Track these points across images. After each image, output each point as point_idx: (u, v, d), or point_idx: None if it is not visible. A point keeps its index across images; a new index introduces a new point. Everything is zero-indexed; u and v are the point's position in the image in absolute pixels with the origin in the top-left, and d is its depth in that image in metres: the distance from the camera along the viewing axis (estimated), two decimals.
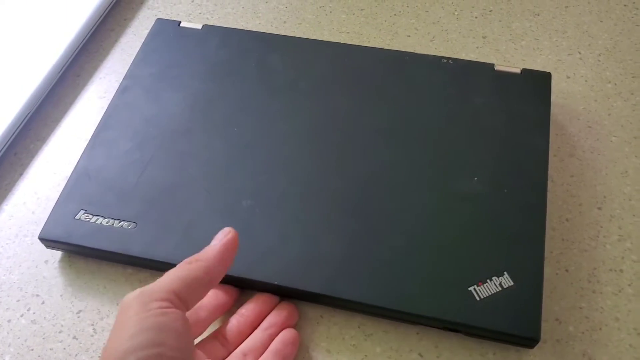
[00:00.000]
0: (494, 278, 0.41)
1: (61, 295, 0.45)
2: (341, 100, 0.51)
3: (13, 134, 0.52)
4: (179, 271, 0.35)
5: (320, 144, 0.48)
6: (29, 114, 0.54)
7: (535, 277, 0.41)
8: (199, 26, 0.57)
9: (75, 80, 0.59)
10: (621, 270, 0.45)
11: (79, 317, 0.44)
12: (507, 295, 0.40)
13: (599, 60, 0.58)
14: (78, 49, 0.60)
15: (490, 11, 0.64)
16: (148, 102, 0.51)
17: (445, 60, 0.53)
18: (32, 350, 0.42)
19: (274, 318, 0.41)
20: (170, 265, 0.36)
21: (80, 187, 0.47)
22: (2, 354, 0.42)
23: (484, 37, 0.61)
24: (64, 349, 0.42)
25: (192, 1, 0.65)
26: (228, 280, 0.41)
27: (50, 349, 0.42)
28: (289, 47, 0.55)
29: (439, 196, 0.45)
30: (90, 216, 0.45)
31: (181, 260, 0.37)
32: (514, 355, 0.41)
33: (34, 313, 0.44)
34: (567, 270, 0.45)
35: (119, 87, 0.53)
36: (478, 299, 0.40)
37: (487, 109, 0.49)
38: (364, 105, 0.50)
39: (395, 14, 0.64)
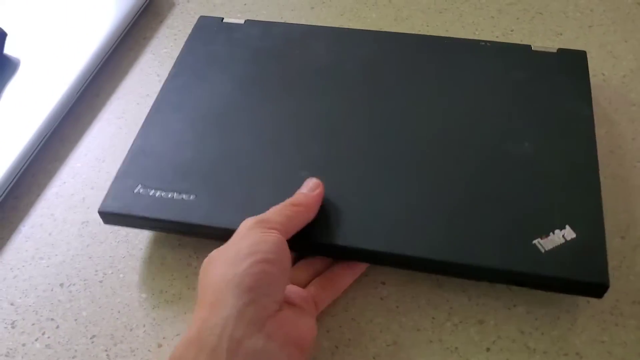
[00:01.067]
0: (556, 231, 0.41)
1: (75, 320, 0.45)
2: (389, 77, 0.53)
3: (31, 154, 0.53)
4: (286, 210, 0.41)
5: (373, 116, 0.50)
6: (47, 134, 0.54)
7: (596, 227, 0.42)
8: (242, 21, 0.59)
9: (94, 100, 0.59)
10: None
11: (92, 342, 0.44)
12: (571, 246, 0.41)
13: (623, 82, 0.57)
14: (97, 69, 0.60)
15: (512, 30, 0.63)
16: (198, 86, 0.53)
17: (484, 43, 0.55)
18: None
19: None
20: (232, 231, 0.40)
21: (136, 164, 0.48)
22: None
23: None
24: None
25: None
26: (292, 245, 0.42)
27: None
28: (332, 35, 0.57)
29: (493, 159, 0.46)
30: (149, 190, 0.46)
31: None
32: None
33: (48, 337, 0.44)
34: (588, 302, 0.44)
35: (168, 74, 0.55)
36: (543, 251, 0.41)
37: (529, 83, 0.51)
38: (409, 82, 0.52)
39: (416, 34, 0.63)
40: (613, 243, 0.46)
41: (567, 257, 0.40)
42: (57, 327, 0.45)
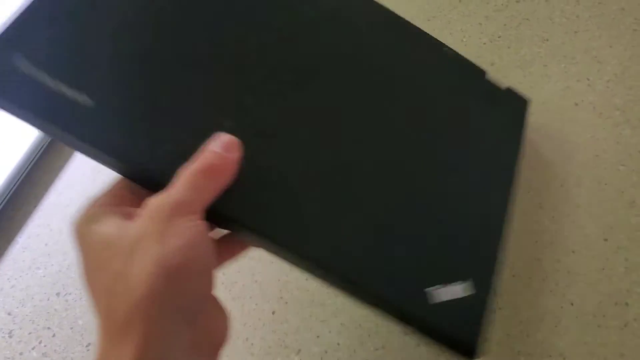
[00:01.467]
0: (453, 283, 0.38)
1: (71, 328, 0.46)
2: (334, 45, 0.45)
3: (28, 165, 0.54)
4: (198, 181, 0.33)
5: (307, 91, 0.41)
6: (44, 145, 0.56)
7: (484, 289, 0.39)
8: None
9: None
10: (627, 304, 0.44)
11: (88, 350, 0.45)
12: (459, 302, 0.38)
13: (607, 87, 0.58)
14: None
15: (499, 37, 0.64)
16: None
17: (446, 49, 0.51)
18: None
19: None
20: (137, 167, 0.33)
21: (28, 30, 0.34)
22: None
23: (492, 64, 0.61)
24: None
25: None
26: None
27: None
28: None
29: (406, 177, 0.41)
30: (33, 67, 0.33)
31: (134, 163, 0.33)
32: None
33: (45, 346, 0.45)
34: (572, 304, 0.44)
35: None
36: (433, 296, 0.38)
37: (467, 109, 0.48)
38: (343, 55, 0.45)
39: None
40: (597, 245, 0.47)
41: (449, 310, 0.38)
42: (54, 335, 0.46)
